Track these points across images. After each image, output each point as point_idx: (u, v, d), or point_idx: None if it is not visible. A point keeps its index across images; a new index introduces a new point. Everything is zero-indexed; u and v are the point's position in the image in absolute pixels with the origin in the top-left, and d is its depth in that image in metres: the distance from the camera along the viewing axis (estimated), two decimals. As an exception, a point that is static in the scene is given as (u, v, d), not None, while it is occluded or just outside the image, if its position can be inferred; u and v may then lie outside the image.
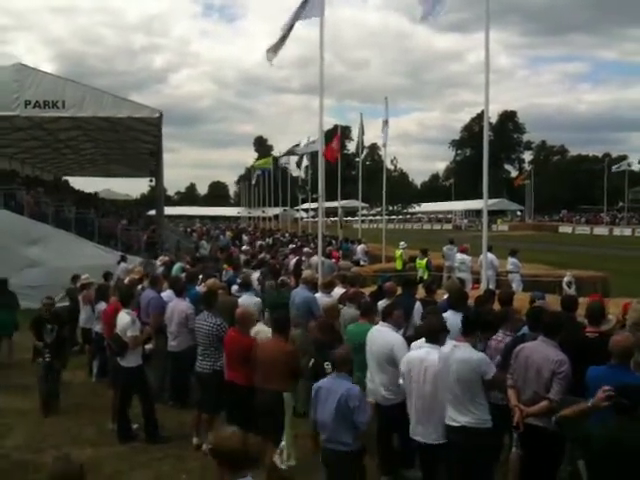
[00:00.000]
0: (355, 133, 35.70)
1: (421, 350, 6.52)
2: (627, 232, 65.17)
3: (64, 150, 34.88)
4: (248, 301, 10.40)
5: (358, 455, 5.98)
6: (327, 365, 6.65)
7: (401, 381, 6.59)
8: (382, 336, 7.35)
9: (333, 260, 19.91)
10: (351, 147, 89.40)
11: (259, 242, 31.31)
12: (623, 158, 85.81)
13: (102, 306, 11.08)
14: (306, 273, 11.79)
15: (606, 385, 4.80)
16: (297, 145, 38.83)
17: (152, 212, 43.08)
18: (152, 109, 22.79)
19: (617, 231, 67.39)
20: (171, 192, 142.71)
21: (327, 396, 5.95)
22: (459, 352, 6.08)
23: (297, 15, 13.45)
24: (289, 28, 13.58)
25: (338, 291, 10.78)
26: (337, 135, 32.69)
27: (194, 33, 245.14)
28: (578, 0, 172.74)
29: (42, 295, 16.97)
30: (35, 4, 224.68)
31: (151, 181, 37.26)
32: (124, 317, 8.98)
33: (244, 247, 26.59)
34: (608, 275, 20.79)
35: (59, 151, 35.16)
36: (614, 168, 72.23)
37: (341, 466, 5.93)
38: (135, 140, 29.90)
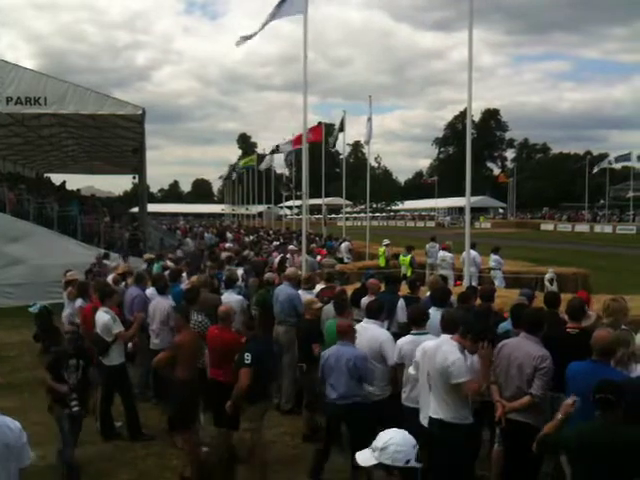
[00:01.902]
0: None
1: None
2: (608, 229, 65.76)
3: (46, 147, 34.58)
4: (230, 298, 10.38)
5: (370, 406, 7.00)
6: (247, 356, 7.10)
7: (412, 371, 6.59)
8: (369, 333, 7.39)
9: (318, 257, 19.95)
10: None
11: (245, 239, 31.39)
12: (605, 156, 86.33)
13: (79, 302, 11.02)
14: (289, 270, 11.78)
15: (586, 380, 4.85)
16: (280, 143, 38.88)
17: (135, 209, 42.85)
18: (135, 106, 22.65)
19: (598, 228, 67.92)
20: (154, 189, 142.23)
21: (336, 361, 6.96)
22: (444, 347, 6.08)
23: (276, 12, 13.53)
24: (265, 23, 13.73)
25: (320, 288, 10.83)
26: (316, 128, 32.50)
27: (177, 30, 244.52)
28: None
29: (24, 293, 16.85)
30: (17, 0, 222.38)
31: (134, 178, 37.02)
32: (103, 316, 8.91)
33: (227, 244, 26.54)
34: (589, 272, 20.98)
35: (41, 148, 34.86)
36: (595, 169, 72.83)
37: (358, 415, 6.88)
38: (118, 137, 29.71)
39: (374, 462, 3.35)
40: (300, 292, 10.48)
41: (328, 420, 7.29)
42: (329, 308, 9.13)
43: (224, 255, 17.83)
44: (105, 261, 18.05)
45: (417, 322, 7.06)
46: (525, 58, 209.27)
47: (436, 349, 6.12)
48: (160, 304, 10.03)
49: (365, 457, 3.44)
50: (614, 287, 16.32)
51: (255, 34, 14.05)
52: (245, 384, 6.99)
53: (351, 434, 7.09)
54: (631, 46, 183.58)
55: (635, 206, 76.82)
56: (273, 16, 13.65)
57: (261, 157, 53.52)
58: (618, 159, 71.20)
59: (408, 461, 3.30)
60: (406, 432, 3.45)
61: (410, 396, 6.79)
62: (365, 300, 9.13)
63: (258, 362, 7.06)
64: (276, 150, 42.60)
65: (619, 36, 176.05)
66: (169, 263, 16.17)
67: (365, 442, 6.68)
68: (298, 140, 30.83)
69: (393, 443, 3.34)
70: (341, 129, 32.27)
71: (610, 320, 6.83)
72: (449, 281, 15.69)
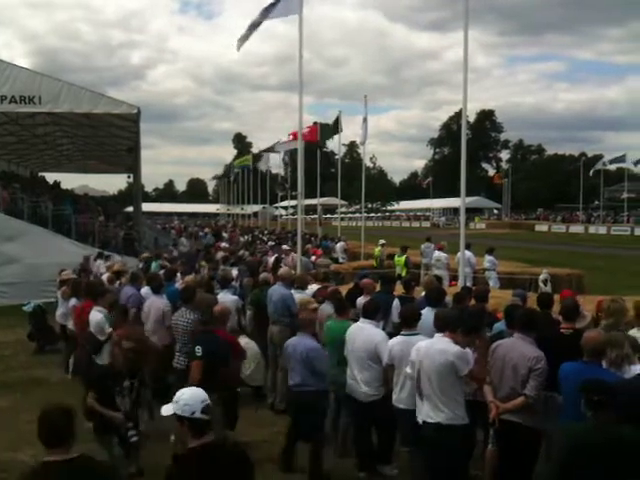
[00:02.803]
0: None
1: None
2: (602, 230, 65.87)
3: (41, 146, 34.48)
4: (226, 298, 10.38)
5: (321, 394, 7.36)
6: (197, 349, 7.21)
7: (409, 370, 6.54)
8: (365, 333, 7.36)
9: (313, 257, 19.96)
10: (330, 145, 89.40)
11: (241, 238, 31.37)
12: (599, 157, 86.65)
13: (73, 302, 11.00)
14: (283, 270, 11.77)
15: (577, 381, 4.85)
16: (276, 143, 38.81)
17: (130, 209, 42.78)
18: (130, 105, 22.61)
19: (592, 229, 68.03)
20: (149, 188, 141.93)
21: (294, 351, 7.33)
22: (438, 346, 6.10)
23: (269, 10, 13.50)
24: (259, 22, 13.69)
25: (313, 288, 10.83)
26: (312, 127, 32.42)
27: (172, 30, 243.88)
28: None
29: (18, 292, 16.75)
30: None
31: (129, 177, 36.99)
32: (96, 315, 8.90)
33: (223, 244, 26.57)
34: (583, 273, 21.04)
35: (36, 147, 34.75)
36: (591, 172, 73.02)
37: (309, 402, 7.19)
38: (112, 136, 29.66)
39: (171, 412, 4.01)
40: (292, 292, 10.48)
41: (287, 405, 7.85)
42: (325, 308, 9.14)
43: (219, 255, 17.84)
44: (100, 260, 18.04)
45: (408, 322, 7.02)
46: (519, 59, 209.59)
47: (430, 348, 6.13)
48: (155, 303, 10.02)
49: (167, 409, 4.06)
50: (609, 288, 16.37)
51: (251, 33, 14.02)
52: (197, 377, 6.95)
53: (298, 420, 7.36)
54: (625, 47, 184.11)
55: (629, 207, 77.01)
56: (266, 15, 13.63)
57: (257, 156, 53.45)
58: (613, 161, 71.57)
59: (193, 412, 3.93)
60: (198, 389, 4.15)
61: (400, 397, 6.78)
62: (361, 300, 9.12)
63: (209, 356, 7.07)
64: (272, 149, 42.48)
65: (613, 37, 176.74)
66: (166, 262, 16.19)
67: (310, 432, 7.16)
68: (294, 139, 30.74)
69: (184, 398, 4.00)
70: (336, 129, 32.08)
71: (610, 321, 6.86)
72: (444, 281, 15.74)
